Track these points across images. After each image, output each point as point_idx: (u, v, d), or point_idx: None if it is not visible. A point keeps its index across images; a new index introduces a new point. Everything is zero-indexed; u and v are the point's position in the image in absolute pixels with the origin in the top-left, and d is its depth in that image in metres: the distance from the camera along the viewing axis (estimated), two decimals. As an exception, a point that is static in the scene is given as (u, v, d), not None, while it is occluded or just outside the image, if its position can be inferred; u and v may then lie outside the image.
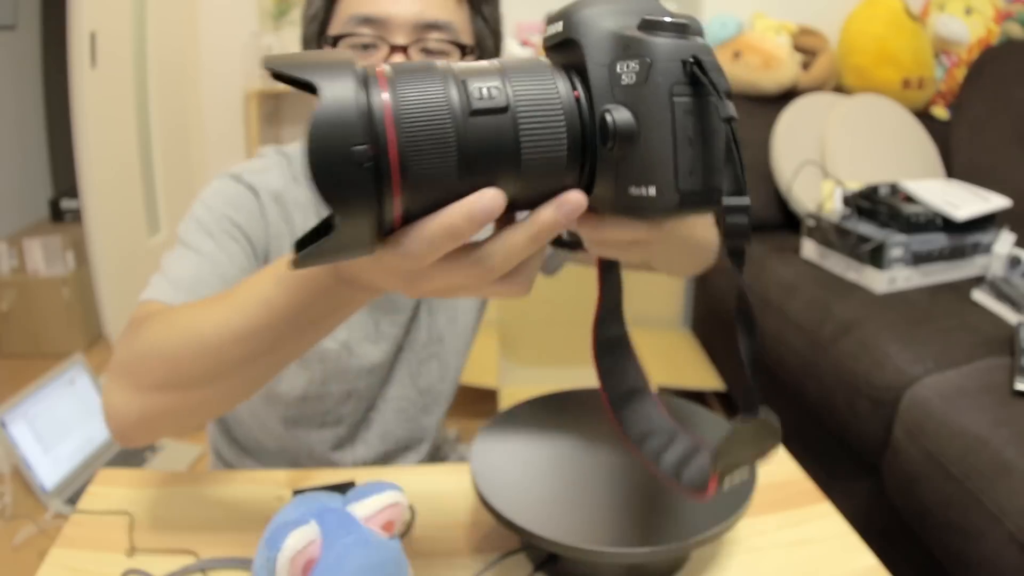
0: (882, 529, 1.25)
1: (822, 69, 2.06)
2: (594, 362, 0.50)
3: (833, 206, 1.68)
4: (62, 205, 2.62)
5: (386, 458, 0.89)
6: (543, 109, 0.35)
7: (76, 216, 2.53)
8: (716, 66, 0.34)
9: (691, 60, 0.34)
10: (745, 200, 0.36)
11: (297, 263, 0.36)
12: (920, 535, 1.14)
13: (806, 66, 2.07)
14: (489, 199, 0.35)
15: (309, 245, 0.35)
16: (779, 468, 0.77)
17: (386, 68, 0.36)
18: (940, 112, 2.12)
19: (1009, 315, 1.34)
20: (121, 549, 0.62)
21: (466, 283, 0.39)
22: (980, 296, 1.41)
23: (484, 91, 0.35)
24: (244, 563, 0.59)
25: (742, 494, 0.59)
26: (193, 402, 0.56)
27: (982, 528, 0.98)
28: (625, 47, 0.35)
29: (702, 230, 0.67)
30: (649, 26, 0.35)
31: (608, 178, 0.37)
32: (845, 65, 2.09)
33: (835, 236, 1.56)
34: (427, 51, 0.68)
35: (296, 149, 0.81)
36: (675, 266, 0.71)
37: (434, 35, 0.68)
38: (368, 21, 0.67)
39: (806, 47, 2.12)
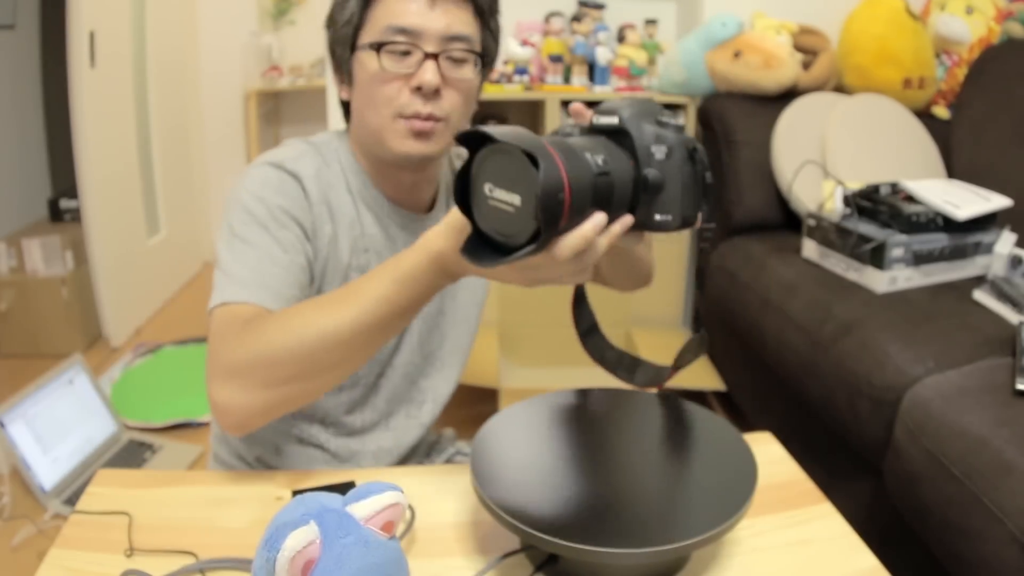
0: (883, 529, 1.25)
1: (823, 69, 2.05)
2: (572, 308, 0.79)
3: (834, 206, 1.68)
4: (61, 205, 2.61)
5: (388, 416, 0.93)
6: (622, 173, 0.60)
7: (75, 216, 2.53)
8: (702, 149, 0.64)
9: (692, 148, 0.63)
10: (712, 225, 0.77)
11: (485, 267, 0.57)
12: (921, 535, 1.14)
13: (807, 66, 2.07)
14: (602, 217, 0.57)
15: (473, 246, 0.59)
16: (780, 468, 0.77)
17: (554, 144, 0.55)
18: (941, 112, 2.12)
19: (1010, 315, 1.34)
20: (120, 550, 0.62)
21: (564, 274, 0.60)
22: (981, 296, 1.41)
23: (600, 162, 0.58)
24: (243, 564, 0.59)
25: (743, 494, 0.59)
26: (315, 388, 0.72)
27: (983, 528, 0.98)
28: (656, 137, 0.62)
29: (647, 256, 0.96)
30: (663, 126, 0.62)
31: (642, 210, 0.62)
32: (846, 65, 2.09)
33: (836, 236, 1.56)
34: (452, 59, 0.80)
35: (320, 138, 0.89)
36: (626, 282, 0.99)
37: (458, 45, 0.80)
38: (404, 31, 0.78)
39: (807, 46, 2.12)
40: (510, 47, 2.20)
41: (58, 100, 2.69)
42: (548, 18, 2.25)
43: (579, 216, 0.56)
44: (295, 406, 0.73)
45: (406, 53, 0.79)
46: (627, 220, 0.60)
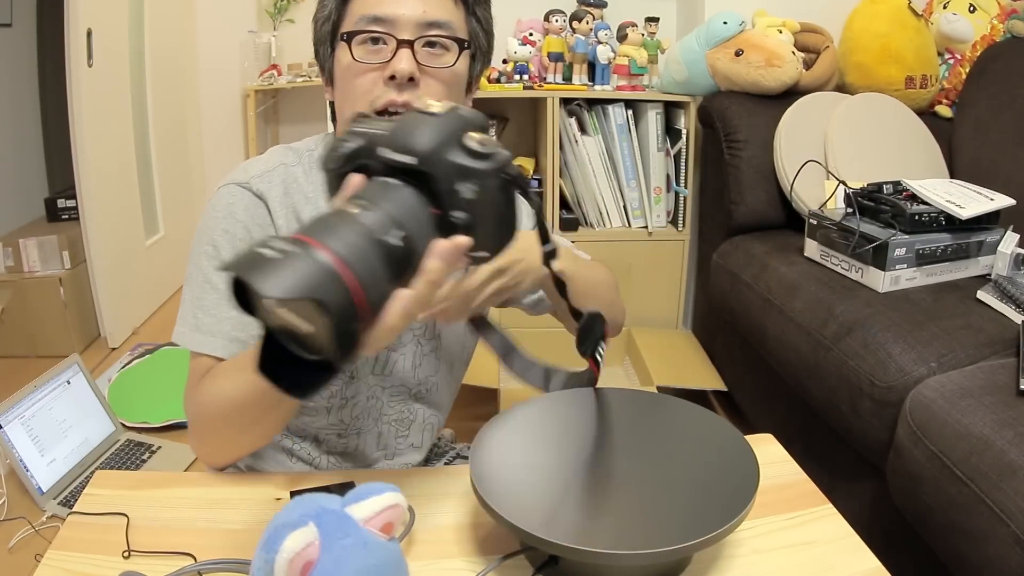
0: (885, 531, 1.24)
1: (824, 67, 2.05)
2: (485, 341, 0.78)
3: (836, 205, 1.67)
4: (58, 204, 2.61)
5: (379, 435, 0.91)
6: (422, 229, 0.53)
7: (73, 215, 2.52)
8: (519, 173, 0.56)
9: (507, 176, 0.55)
10: (552, 246, 0.66)
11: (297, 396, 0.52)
12: (923, 537, 1.13)
13: (808, 64, 2.07)
14: (405, 295, 0.52)
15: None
16: (781, 470, 0.76)
17: (305, 236, 0.47)
18: (944, 110, 2.11)
19: (1014, 315, 1.33)
20: (118, 551, 0.61)
21: (400, 333, 0.57)
22: (985, 296, 1.40)
23: (396, 239, 0.50)
24: (242, 565, 0.59)
25: (744, 496, 0.59)
26: (257, 438, 0.77)
27: (986, 530, 0.97)
28: (461, 172, 0.54)
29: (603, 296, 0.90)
30: (471, 154, 0.54)
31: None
32: (848, 63, 2.08)
33: (838, 235, 1.55)
34: (430, 44, 0.78)
35: (304, 145, 0.87)
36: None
37: (435, 32, 0.77)
38: (378, 20, 0.77)
39: (808, 45, 2.11)
40: (510, 46, 2.20)
41: (55, 99, 2.69)
42: (548, 16, 2.24)
43: (380, 305, 0.50)
44: (253, 449, 0.80)
45: (379, 42, 0.77)
46: (439, 247, 0.54)
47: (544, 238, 0.64)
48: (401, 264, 0.51)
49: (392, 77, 0.76)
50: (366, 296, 0.47)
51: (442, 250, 0.53)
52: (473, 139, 0.54)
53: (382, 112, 0.76)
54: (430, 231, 0.53)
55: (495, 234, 0.56)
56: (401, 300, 0.51)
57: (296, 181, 0.83)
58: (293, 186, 0.83)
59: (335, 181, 0.57)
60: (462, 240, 0.54)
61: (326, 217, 0.50)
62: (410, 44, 0.76)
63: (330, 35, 0.81)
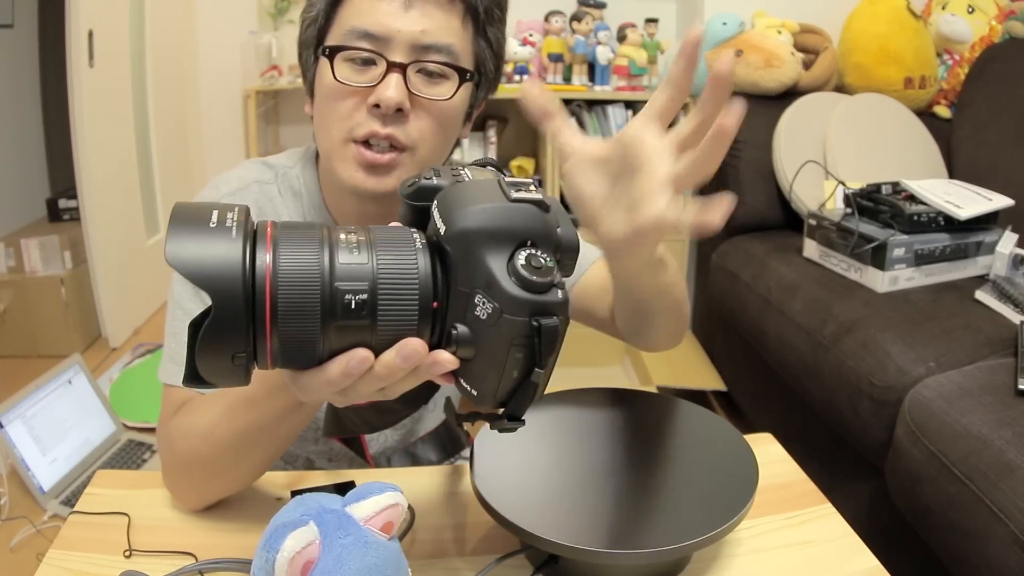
0: (884, 530, 1.24)
1: (824, 68, 2.05)
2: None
3: (835, 205, 1.68)
4: (60, 205, 2.61)
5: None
6: (401, 288, 0.42)
7: (74, 216, 2.52)
8: (554, 331, 0.41)
9: (535, 324, 0.41)
10: (522, 424, 0.46)
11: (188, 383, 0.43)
12: (922, 536, 1.13)
13: (808, 65, 2.07)
14: (359, 361, 0.42)
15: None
16: (781, 469, 0.76)
17: (273, 229, 0.42)
18: (942, 111, 2.11)
19: (1012, 315, 1.34)
20: (119, 550, 0.61)
21: (347, 400, 0.47)
22: (983, 296, 1.40)
23: (352, 268, 0.41)
24: (243, 564, 0.59)
25: (744, 495, 0.59)
26: (237, 476, 0.66)
27: (984, 529, 0.97)
28: (487, 285, 0.41)
29: (680, 294, 0.71)
30: (514, 273, 0.41)
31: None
32: (847, 64, 2.09)
33: (837, 236, 1.55)
34: (426, 72, 0.67)
35: (282, 161, 0.80)
36: (653, 329, 0.75)
37: (433, 57, 0.67)
38: (368, 36, 0.66)
39: (808, 46, 2.12)
40: (510, 46, 2.20)
41: (56, 99, 2.69)
42: (548, 17, 2.24)
43: (299, 341, 0.42)
44: (229, 493, 0.68)
45: (369, 63, 0.67)
46: (408, 346, 0.42)
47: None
48: (348, 323, 0.42)
49: (376, 105, 0.65)
50: (272, 317, 0.40)
51: (411, 353, 0.42)
52: (529, 259, 0.41)
53: (364, 142, 0.67)
54: (411, 295, 0.42)
55: (496, 383, 0.44)
56: (347, 362, 0.42)
57: (271, 201, 0.76)
58: (268, 205, 0.75)
59: (405, 210, 0.48)
60: (444, 357, 0.43)
61: (308, 226, 0.43)
62: (402, 68, 0.66)
63: (315, 41, 0.70)
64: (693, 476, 0.63)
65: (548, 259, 0.42)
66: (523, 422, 0.46)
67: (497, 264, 0.41)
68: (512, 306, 0.40)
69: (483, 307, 0.41)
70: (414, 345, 0.42)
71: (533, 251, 0.42)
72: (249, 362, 0.42)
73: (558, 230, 0.44)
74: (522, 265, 0.41)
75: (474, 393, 0.45)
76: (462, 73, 0.69)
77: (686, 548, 0.55)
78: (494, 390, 0.44)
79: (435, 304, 0.43)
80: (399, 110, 0.66)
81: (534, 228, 0.42)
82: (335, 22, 0.69)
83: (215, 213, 0.41)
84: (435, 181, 0.46)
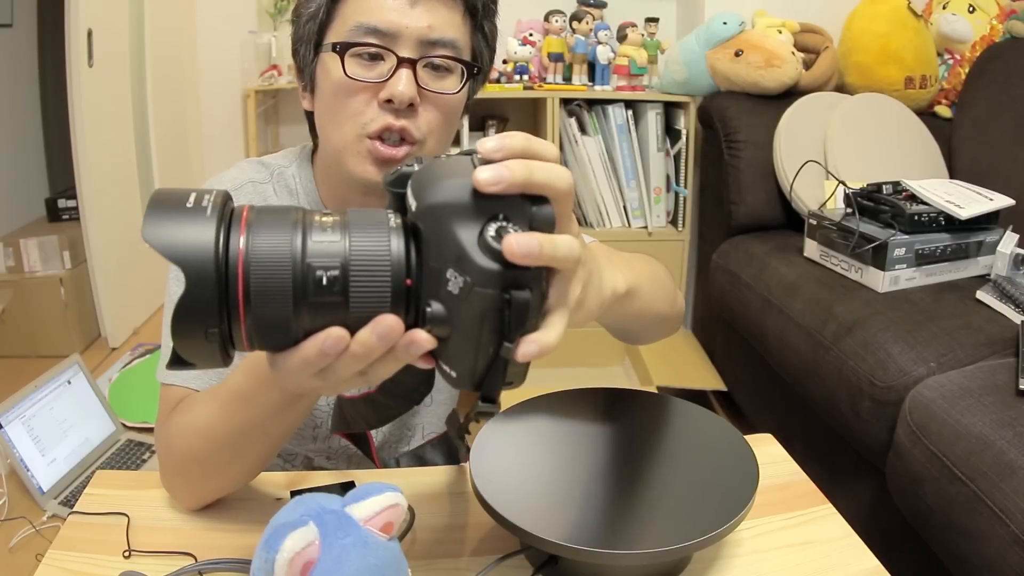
0: (885, 530, 1.24)
1: (824, 67, 2.05)
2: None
3: (835, 205, 1.68)
4: (59, 204, 2.61)
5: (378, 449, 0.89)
6: (373, 266, 0.41)
7: (73, 215, 2.52)
8: (525, 304, 0.41)
9: (507, 297, 0.41)
10: (496, 408, 0.45)
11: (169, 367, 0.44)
12: (923, 536, 1.13)
13: (808, 64, 2.07)
14: (334, 340, 0.42)
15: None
16: (781, 469, 0.76)
17: (249, 212, 0.42)
18: (943, 111, 2.11)
19: (1013, 315, 1.33)
20: (118, 551, 0.61)
21: (328, 385, 0.46)
22: (984, 296, 1.40)
23: (323, 246, 0.41)
24: (242, 565, 0.59)
25: (744, 495, 0.59)
26: (234, 474, 0.66)
27: (985, 530, 0.97)
28: (458, 259, 0.40)
29: (663, 306, 0.72)
30: (484, 246, 0.40)
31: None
32: (847, 63, 2.08)
33: (837, 236, 1.55)
34: (433, 67, 0.69)
35: (276, 160, 0.81)
36: (641, 338, 0.79)
37: (440, 52, 0.69)
38: (377, 32, 0.67)
39: (808, 45, 2.12)
40: (510, 46, 2.20)
41: (56, 99, 2.69)
42: (548, 16, 2.24)
43: (272, 323, 0.42)
44: (227, 492, 0.68)
45: (377, 58, 0.68)
46: (383, 323, 0.41)
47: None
48: (321, 302, 0.41)
49: (388, 101, 0.67)
50: (244, 298, 0.40)
51: (386, 330, 0.42)
52: (500, 231, 0.41)
53: (378, 137, 0.68)
54: (383, 277, 0.41)
55: (473, 358, 0.43)
56: (323, 341, 0.42)
57: (266, 200, 0.76)
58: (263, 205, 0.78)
59: (390, 199, 0.48)
60: (420, 336, 0.42)
61: (284, 209, 0.43)
62: (412, 64, 0.67)
63: (316, 36, 0.71)
64: (693, 476, 0.63)
65: (520, 232, 0.41)
66: (497, 405, 0.45)
67: (468, 237, 0.41)
68: (482, 278, 0.40)
69: (455, 282, 0.41)
70: (389, 321, 0.41)
71: (504, 223, 0.41)
72: (224, 340, 0.42)
73: (532, 208, 0.43)
74: (492, 237, 0.40)
75: (453, 375, 0.44)
76: (468, 67, 0.71)
77: (686, 548, 0.55)
78: (472, 369, 0.43)
79: (408, 281, 0.42)
80: (410, 105, 0.67)
81: (505, 201, 0.42)
82: (337, 18, 0.69)
83: (192, 195, 0.41)
84: (415, 167, 0.46)
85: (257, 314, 0.41)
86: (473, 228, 0.41)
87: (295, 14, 0.73)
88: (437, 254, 0.41)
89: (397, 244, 0.42)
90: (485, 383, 0.44)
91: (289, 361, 0.43)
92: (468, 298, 0.40)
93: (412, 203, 0.43)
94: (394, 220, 0.43)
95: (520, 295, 0.41)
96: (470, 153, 0.46)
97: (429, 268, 0.42)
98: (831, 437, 1.42)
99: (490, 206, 0.41)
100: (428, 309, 0.42)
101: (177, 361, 0.42)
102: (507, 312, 0.41)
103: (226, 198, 0.43)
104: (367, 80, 0.68)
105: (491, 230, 0.41)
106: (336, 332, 0.42)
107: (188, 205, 0.40)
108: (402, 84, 0.66)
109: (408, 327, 0.43)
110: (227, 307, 0.40)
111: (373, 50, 0.67)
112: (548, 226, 0.43)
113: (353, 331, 0.42)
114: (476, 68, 0.72)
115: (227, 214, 0.41)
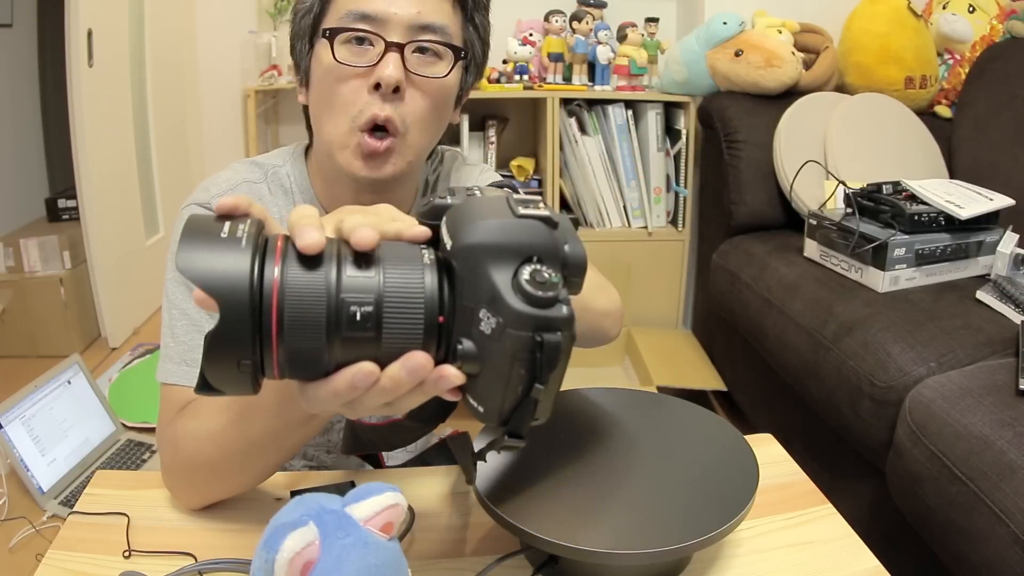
0: (885, 530, 1.24)
1: (824, 67, 2.05)
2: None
3: (835, 205, 1.68)
4: (59, 204, 2.61)
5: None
6: (407, 302, 0.42)
7: (73, 216, 2.52)
8: (556, 347, 0.41)
9: (539, 339, 0.41)
10: (522, 443, 0.46)
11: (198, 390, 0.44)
12: (923, 536, 1.13)
13: (808, 64, 2.07)
14: (365, 374, 0.42)
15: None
16: (781, 469, 0.76)
17: (284, 243, 0.42)
18: (943, 111, 2.11)
19: (1013, 315, 1.33)
20: (118, 551, 0.61)
21: (355, 413, 0.46)
22: (984, 296, 1.40)
23: (358, 281, 0.41)
24: (242, 565, 0.59)
25: (744, 496, 0.59)
26: (241, 481, 0.67)
27: (985, 530, 0.97)
28: (491, 300, 0.41)
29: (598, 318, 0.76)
30: (518, 288, 0.41)
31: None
32: (847, 63, 2.08)
33: (837, 236, 1.55)
34: (421, 50, 0.70)
35: (271, 160, 0.82)
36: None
37: (428, 36, 0.70)
38: (366, 17, 0.69)
39: (808, 45, 2.12)
40: (510, 46, 2.20)
41: (56, 99, 2.69)
42: (548, 16, 2.24)
43: (305, 354, 0.42)
44: (233, 494, 0.68)
45: (366, 43, 0.69)
46: (414, 359, 0.43)
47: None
48: (353, 337, 0.42)
49: (377, 86, 0.68)
50: (278, 330, 0.41)
51: (416, 366, 0.42)
52: (534, 274, 0.41)
53: (368, 130, 0.69)
54: (416, 312, 0.42)
55: (501, 396, 0.44)
56: (354, 374, 0.42)
57: (261, 200, 0.77)
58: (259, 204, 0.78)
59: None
60: (450, 372, 0.43)
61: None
62: (400, 48, 0.68)
63: (310, 29, 0.73)
64: (693, 476, 0.63)
65: (553, 275, 0.42)
66: (524, 440, 0.46)
67: (501, 279, 0.41)
68: (516, 321, 0.41)
69: (487, 322, 0.41)
70: (419, 359, 0.42)
71: (538, 267, 0.42)
72: (256, 371, 0.42)
73: (565, 247, 0.44)
74: (526, 280, 0.41)
75: (480, 410, 0.45)
76: (456, 51, 0.72)
77: (686, 548, 0.55)
78: (499, 406, 0.44)
79: (441, 319, 0.43)
80: (396, 89, 0.68)
81: (539, 244, 0.43)
82: (330, 9, 0.71)
83: (227, 224, 0.42)
84: (449, 200, 0.47)
85: (290, 345, 0.41)
86: (507, 270, 0.42)
87: (293, 12, 0.76)
88: (471, 293, 0.42)
89: (431, 281, 0.43)
90: (513, 419, 0.45)
91: (319, 392, 0.44)
92: (500, 339, 0.41)
93: (447, 241, 0.44)
94: (428, 256, 0.44)
95: (552, 338, 0.41)
96: (502, 186, 0.45)
97: (462, 307, 0.43)
98: (831, 437, 1.42)
99: (524, 248, 0.42)
100: (460, 346, 0.43)
101: (205, 387, 0.43)
102: (539, 354, 0.41)
103: (260, 227, 0.43)
104: (356, 65, 0.69)
105: (525, 273, 0.41)
106: (367, 367, 0.42)
107: (223, 235, 0.41)
108: (389, 68, 0.67)
109: (438, 362, 0.44)
110: (260, 337, 0.41)
111: (361, 35, 0.69)
112: (581, 269, 0.44)
113: (384, 364, 0.43)
114: (464, 53, 0.73)
115: (261, 244, 0.42)
